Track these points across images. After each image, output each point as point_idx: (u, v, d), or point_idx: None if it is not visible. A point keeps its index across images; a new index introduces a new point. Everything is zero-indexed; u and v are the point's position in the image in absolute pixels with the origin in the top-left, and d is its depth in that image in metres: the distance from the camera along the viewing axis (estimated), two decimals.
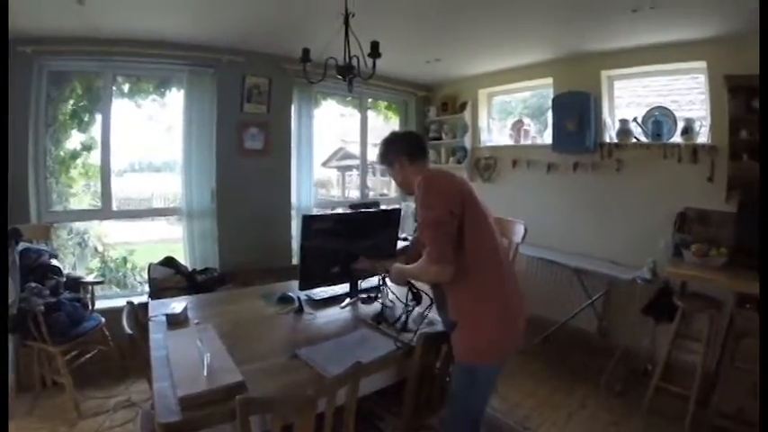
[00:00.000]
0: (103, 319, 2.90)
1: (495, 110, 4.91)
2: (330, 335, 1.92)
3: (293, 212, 4.31)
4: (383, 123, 5.46)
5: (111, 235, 4.27)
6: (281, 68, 3.96)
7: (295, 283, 2.31)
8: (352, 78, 2.54)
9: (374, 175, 5.65)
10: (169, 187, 4.32)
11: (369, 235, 2.41)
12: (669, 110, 3.35)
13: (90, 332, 2.78)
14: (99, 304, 3.16)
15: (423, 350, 1.66)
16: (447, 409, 1.79)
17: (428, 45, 3.72)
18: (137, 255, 4.39)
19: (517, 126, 4.46)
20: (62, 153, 3.53)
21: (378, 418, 1.94)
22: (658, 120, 3.35)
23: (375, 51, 2.40)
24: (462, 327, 1.60)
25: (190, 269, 3.55)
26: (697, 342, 2.67)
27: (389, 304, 2.13)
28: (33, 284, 2.59)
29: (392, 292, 2.12)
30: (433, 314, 1.85)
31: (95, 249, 4.03)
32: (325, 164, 6.27)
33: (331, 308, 2.26)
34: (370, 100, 5.11)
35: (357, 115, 5.05)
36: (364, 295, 2.35)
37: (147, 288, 3.39)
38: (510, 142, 4.52)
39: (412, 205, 4.34)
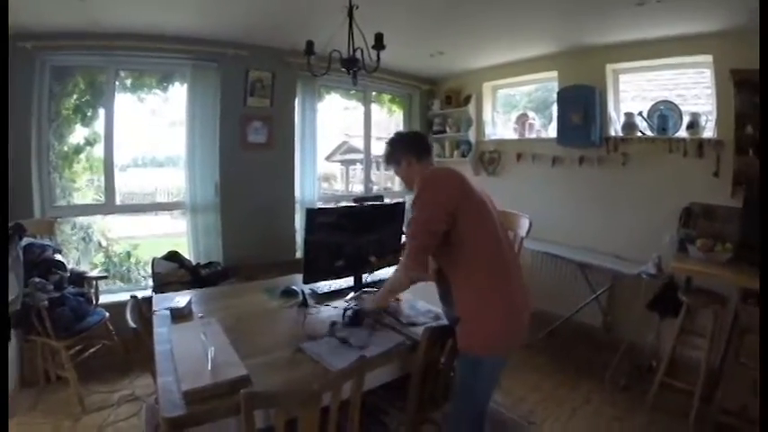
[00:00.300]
0: (107, 314, 2.91)
1: (500, 103, 4.87)
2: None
3: (297, 206, 4.31)
4: (387, 117, 5.44)
5: (114, 230, 4.28)
6: (284, 62, 3.94)
7: (299, 277, 2.31)
8: (356, 71, 2.53)
9: (378, 169, 5.62)
10: (173, 182, 4.32)
11: (373, 229, 2.42)
12: (675, 104, 3.31)
13: (94, 327, 2.79)
14: (103, 299, 3.17)
15: (427, 344, 1.65)
16: (451, 404, 1.80)
17: (432, 38, 3.70)
18: (140, 249, 4.40)
19: (522, 119, 4.42)
20: (65, 148, 3.53)
21: (382, 413, 1.94)
22: (664, 114, 3.32)
23: (379, 43, 2.37)
24: (467, 320, 1.61)
25: (194, 263, 3.56)
26: (701, 338, 2.66)
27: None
28: (37, 279, 2.60)
29: None
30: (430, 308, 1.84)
31: (99, 244, 4.05)
32: (328, 158, 6.26)
33: (335, 301, 2.25)
34: (374, 93, 5.08)
35: (361, 109, 5.02)
36: (369, 289, 2.34)
37: (150, 282, 3.40)
38: (514, 136, 4.49)
39: None
